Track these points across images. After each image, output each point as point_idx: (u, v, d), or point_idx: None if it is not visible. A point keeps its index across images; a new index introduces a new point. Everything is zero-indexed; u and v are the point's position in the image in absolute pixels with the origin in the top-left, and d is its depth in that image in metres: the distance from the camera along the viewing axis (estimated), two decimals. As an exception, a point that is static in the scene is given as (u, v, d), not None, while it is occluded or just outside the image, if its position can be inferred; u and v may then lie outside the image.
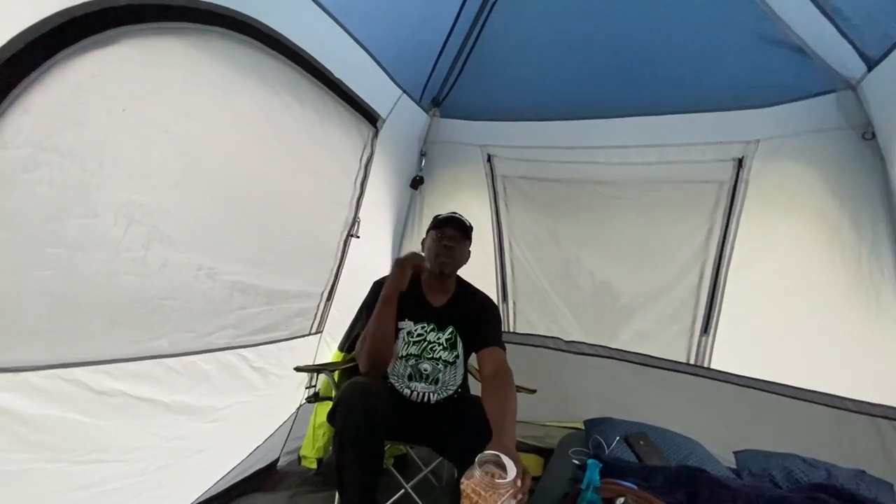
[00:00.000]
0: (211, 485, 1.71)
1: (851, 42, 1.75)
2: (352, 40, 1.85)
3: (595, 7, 2.19)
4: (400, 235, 2.88)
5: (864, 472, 1.67)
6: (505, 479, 0.95)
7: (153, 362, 1.40)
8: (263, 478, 2.01)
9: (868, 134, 1.95)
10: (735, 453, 1.80)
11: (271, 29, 1.52)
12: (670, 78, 2.29)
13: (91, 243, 1.17)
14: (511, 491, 0.95)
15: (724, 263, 2.30)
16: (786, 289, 2.15)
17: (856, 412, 1.95)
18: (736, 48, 2.06)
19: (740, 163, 2.28)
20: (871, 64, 1.78)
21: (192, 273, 1.49)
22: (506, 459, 0.98)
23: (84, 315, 1.20)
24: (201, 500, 1.66)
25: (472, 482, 0.95)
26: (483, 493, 0.93)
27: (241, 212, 1.64)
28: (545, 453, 2.07)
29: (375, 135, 2.28)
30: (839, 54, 1.81)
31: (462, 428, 1.32)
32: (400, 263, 1.56)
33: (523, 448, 2.27)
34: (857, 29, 1.71)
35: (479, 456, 0.99)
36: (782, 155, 2.19)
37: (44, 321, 1.12)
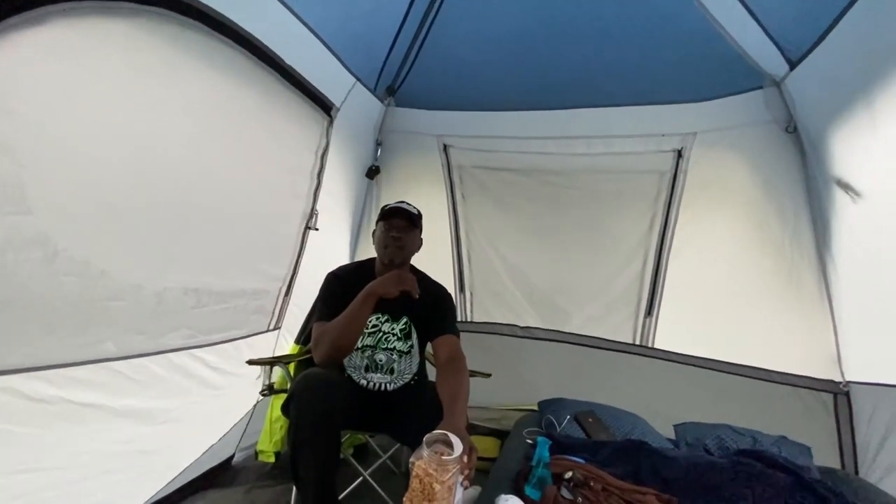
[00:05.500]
0: (162, 485, 1.65)
1: (776, 43, 1.90)
2: (302, 25, 1.77)
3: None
4: (357, 226, 2.85)
5: (785, 437, 1.83)
6: (452, 456, 0.98)
7: (97, 367, 1.33)
8: (218, 474, 1.97)
9: (791, 127, 2.13)
10: (675, 426, 1.93)
11: (215, 11, 1.44)
12: (616, 72, 2.37)
13: (24, 242, 1.09)
14: (458, 467, 0.99)
15: (665, 250, 2.44)
16: (719, 272, 2.32)
17: (781, 383, 2.15)
18: (676, 45, 2.16)
19: (679, 154, 2.41)
20: (792, 64, 1.93)
21: (142, 272, 1.41)
22: (453, 437, 1.01)
23: (18, 319, 1.12)
24: (153, 500, 1.61)
25: (421, 462, 0.97)
26: (432, 472, 0.95)
27: (194, 205, 1.57)
28: (502, 435, 2.14)
29: (330, 124, 2.23)
30: (765, 54, 1.96)
31: (418, 413, 1.35)
32: (397, 278, 1.47)
33: (481, 431, 2.34)
34: (779, 32, 1.86)
35: (426, 436, 1.02)
36: (717, 146, 2.35)
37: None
